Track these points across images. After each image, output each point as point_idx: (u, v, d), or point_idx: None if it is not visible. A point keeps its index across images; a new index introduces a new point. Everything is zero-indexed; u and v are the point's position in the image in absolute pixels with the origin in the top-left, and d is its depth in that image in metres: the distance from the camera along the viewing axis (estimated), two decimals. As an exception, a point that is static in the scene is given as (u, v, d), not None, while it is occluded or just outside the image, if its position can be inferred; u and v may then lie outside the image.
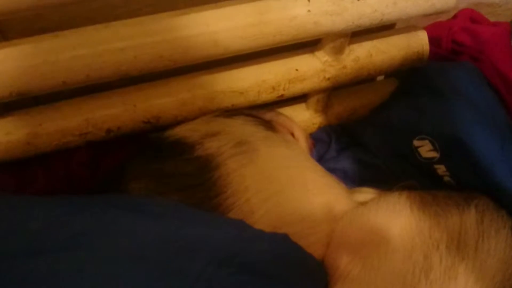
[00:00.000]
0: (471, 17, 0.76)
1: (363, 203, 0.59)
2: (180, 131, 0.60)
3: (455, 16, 0.77)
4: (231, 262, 0.43)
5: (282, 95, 0.67)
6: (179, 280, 0.41)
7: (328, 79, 0.67)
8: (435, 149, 0.62)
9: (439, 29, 0.75)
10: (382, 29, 0.71)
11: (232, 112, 0.64)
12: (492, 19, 0.77)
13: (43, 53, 0.51)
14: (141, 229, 0.44)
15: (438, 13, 0.65)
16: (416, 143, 0.64)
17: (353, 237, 0.54)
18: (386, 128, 0.69)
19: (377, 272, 0.49)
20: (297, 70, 0.66)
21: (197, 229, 0.46)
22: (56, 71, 0.52)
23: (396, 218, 0.53)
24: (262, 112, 0.67)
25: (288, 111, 0.74)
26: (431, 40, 0.72)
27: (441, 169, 0.62)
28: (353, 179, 0.69)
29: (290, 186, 0.58)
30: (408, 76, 0.73)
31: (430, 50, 0.72)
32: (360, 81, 0.73)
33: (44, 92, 0.54)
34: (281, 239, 0.50)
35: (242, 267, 0.43)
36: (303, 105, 0.77)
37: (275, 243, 0.49)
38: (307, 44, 0.65)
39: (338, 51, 0.66)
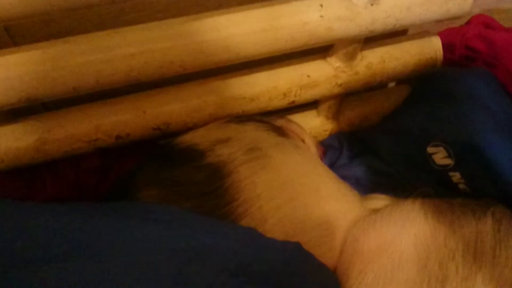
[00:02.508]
0: (485, 23, 0.75)
1: (376, 210, 0.58)
2: (191, 138, 0.60)
3: (468, 22, 0.77)
4: (243, 271, 0.42)
5: (293, 102, 0.66)
6: (190, 290, 0.40)
7: (340, 85, 0.67)
8: (449, 156, 0.61)
9: (453, 35, 0.74)
10: (395, 35, 0.71)
11: (243, 118, 0.63)
12: (506, 25, 0.76)
13: (53, 59, 0.51)
14: (152, 238, 0.43)
15: (453, 18, 0.64)
16: (430, 150, 0.63)
17: (366, 246, 0.53)
18: (399, 135, 0.68)
19: (391, 282, 0.48)
20: (309, 76, 0.65)
21: (208, 238, 0.45)
22: (66, 76, 0.51)
23: (410, 226, 0.52)
24: (273, 118, 0.66)
25: (299, 117, 0.74)
26: (445, 46, 0.72)
27: (456, 176, 0.61)
28: (366, 187, 0.68)
29: (303, 193, 0.57)
30: (421, 82, 0.72)
31: (444, 56, 0.71)
32: (372, 88, 0.72)
33: (54, 98, 0.53)
34: (293, 248, 0.49)
35: (254, 277, 0.42)
36: (314, 112, 0.76)
37: (287, 252, 0.48)
38: (319, 50, 0.65)
39: (351, 57, 0.65)
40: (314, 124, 0.75)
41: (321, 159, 0.71)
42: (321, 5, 0.56)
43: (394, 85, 0.83)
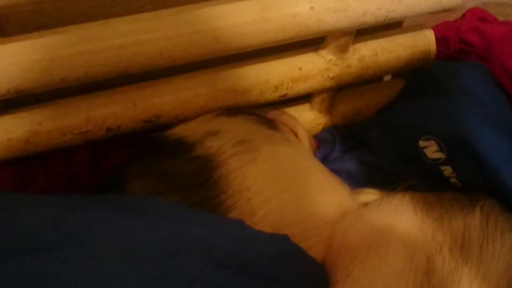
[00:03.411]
0: (479, 16, 0.75)
1: (366, 204, 0.58)
2: (181, 130, 0.59)
3: (463, 16, 0.76)
4: (230, 263, 0.42)
5: (285, 95, 0.66)
6: (175, 281, 0.40)
7: (333, 78, 0.66)
8: (441, 150, 0.60)
9: (447, 29, 0.74)
10: (389, 27, 0.70)
11: (234, 110, 0.63)
12: (501, 18, 0.75)
13: (41, 50, 0.50)
14: (138, 229, 0.43)
15: (445, 10, 0.63)
16: (422, 143, 0.62)
17: (355, 238, 0.53)
18: (392, 129, 0.68)
19: (378, 274, 0.48)
20: (300, 69, 0.64)
21: (195, 230, 0.45)
22: (54, 68, 0.51)
23: (399, 219, 0.52)
24: (265, 110, 0.66)
25: (292, 111, 0.73)
26: (439, 39, 0.71)
27: (447, 170, 0.61)
28: (357, 180, 0.67)
29: (293, 187, 0.57)
30: (414, 76, 0.72)
31: (438, 50, 0.71)
32: (365, 81, 0.72)
33: (43, 90, 0.53)
34: (281, 240, 0.49)
35: (240, 269, 0.42)
36: (307, 105, 0.76)
37: (275, 244, 0.48)
38: (311, 43, 0.64)
39: (343, 50, 0.64)
40: (308, 118, 0.75)
41: (314, 152, 0.71)
42: (311, -4, 0.56)
43: (389, 78, 0.83)
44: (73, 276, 0.38)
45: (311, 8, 0.56)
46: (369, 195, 0.62)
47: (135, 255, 0.40)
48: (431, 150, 0.61)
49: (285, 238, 0.49)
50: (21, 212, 0.43)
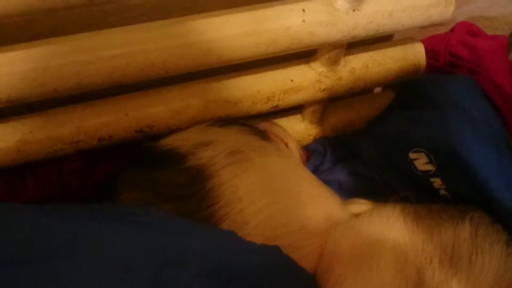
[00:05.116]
0: (468, 30, 0.76)
1: (357, 215, 0.59)
2: (173, 141, 0.60)
3: (453, 29, 0.77)
4: (221, 274, 0.42)
5: (277, 106, 0.66)
6: (166, 292, 0.40)
7: (324, 90, 0.67)
8: (431, 162, 0.61)
9: (437, 42, 0.75)
10: (380, 40, 0.71)
11: (226, 121, 0.63)
12: (490, 32, 0.77)
13: (34, 60, 0.50)
14: (129, 240, 0.43)
15: (435, 25, 0.64)
16: (412, 155, 0.63)
17: (346, 249, 0.53)
18: (382, 140, 0.69)
19: (369, 285, 0.48)
20: (292, 80, 0.65)
21: (186, 240, 0.45)
22: (47, 78, 0.51)
23: (389, 231, 0.52)
24: (257, 121, 0.66)
25: (283, 122, 0.74)
26: (429, 53, 0.72)
27: (437, 182, 0.61)
28: (348, 191, 0.68)
29: (284, 197, 0.57)
30: (405, 88, 0.72)
31: (428, 63, 0.72)
32: (356, 93, 0.72)
33: (35, 99, 0.53)
34: (272, 251, 0.49)
35: (231, 279, 0.42)
36: (298, 116, 0.76)
37: (266, 255, 0.48)
38: (302, 55, 0.65)
39: (334, 62, 0.65)
40: (299, 129, 0.75)
41: (305, 163, 0.71)
42: (303, 10, 0.56)
43: (380, 90, 0.84)
44: (62, 286, 0.38)
45: (303, 21, 0.56)
46: (360, 205, 0.62)
47: (126, 266, 0.40)
48: (421, 162, 0.62)
49: (276, 249, 0.49)
50: (11, 222, 0.43)
